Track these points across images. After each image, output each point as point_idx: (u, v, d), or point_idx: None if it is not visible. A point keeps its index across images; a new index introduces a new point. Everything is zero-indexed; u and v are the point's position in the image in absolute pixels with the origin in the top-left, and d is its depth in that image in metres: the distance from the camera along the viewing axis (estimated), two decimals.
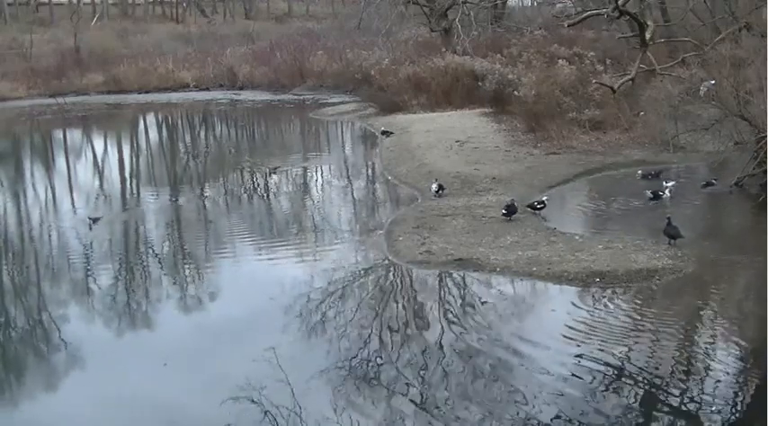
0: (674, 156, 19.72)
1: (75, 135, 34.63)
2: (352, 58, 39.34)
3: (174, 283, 12.96)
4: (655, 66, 18.30)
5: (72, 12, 63.15)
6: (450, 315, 10.96)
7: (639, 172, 17.77)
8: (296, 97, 40.99)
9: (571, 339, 9.74)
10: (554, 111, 22.86)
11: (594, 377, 8.78)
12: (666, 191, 15.90)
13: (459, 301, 11.73)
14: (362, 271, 12.83)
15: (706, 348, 9.58)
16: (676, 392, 8.50)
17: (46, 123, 36.78)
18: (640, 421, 8.00)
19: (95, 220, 15.81)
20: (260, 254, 14.32)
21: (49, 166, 26.57)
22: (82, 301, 12.18)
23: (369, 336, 10.22)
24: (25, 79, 45.85)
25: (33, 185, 22.96)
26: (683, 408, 8.19)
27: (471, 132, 23.83)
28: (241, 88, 44.94)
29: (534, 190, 17.10)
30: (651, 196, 15.86)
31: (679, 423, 7.99)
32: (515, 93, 24.59)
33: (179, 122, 38.29)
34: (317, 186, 20.71)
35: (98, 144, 31.46)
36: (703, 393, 8.43)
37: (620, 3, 15.28)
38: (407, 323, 10.73)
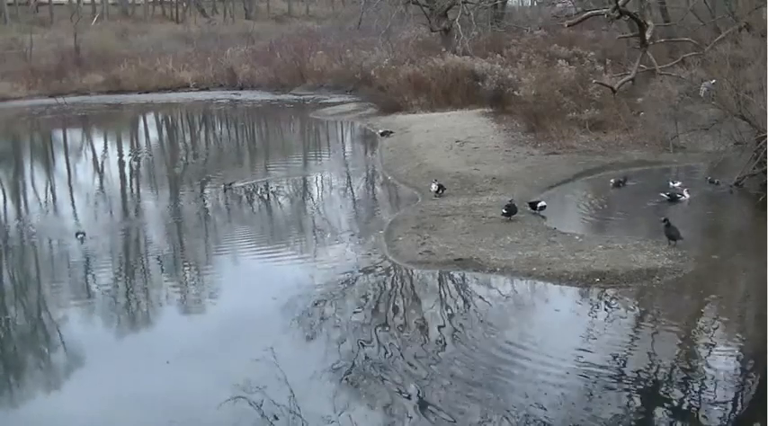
0: (673, 156, 19.72)
1: (74, 135, 34.62)
2: (352, 58, 39.33)
3: (173, 286, 12.96)
4: (655, 66, 18.25)
5: (72, 12, 63.10)
6: (449, 315, 10.96)
7: (612, 181, 17.61)
8: (296, 97, 40.95)
9: (571, 339, 9.73)
10: (554, 111, 22.86)
11: (594, 377, 8.78)
12: (685, 193, 15.88)
13: (459, 301, 11.73)
14: (363, 272, 12.81)
15: (706, 348, 9.57)
16: (676, 392, 8.51)
17: (46, 123, 36.78)
18: (640, 421, 8.00)
19: (83, 234, 15.45)
20: (261, 255, 14.30)
21: (47, 167, 26.56)
22: (79, 305, 12.16)
23: (369, 336, 10.22)
24: (25, 79, 45.77)
25: (31, 187, 22.95)
26: (683, 408, 8.19)
27: (471, 132, 23.83)
28: (241, 88, 44.87)
29: (534, 190, 17.10)
30: (668, 198, 15.81)
31: (679, 423, 7.99)
32: (515, 92, 24.60)
33: (179, 123, 38.26)
34: (317, 186, 20.69)
35: (97, 145, 31.40)
36: (703, 393, 8.43)
37: (620, 3, 15.24)
38: (407, 323, 10.72)
